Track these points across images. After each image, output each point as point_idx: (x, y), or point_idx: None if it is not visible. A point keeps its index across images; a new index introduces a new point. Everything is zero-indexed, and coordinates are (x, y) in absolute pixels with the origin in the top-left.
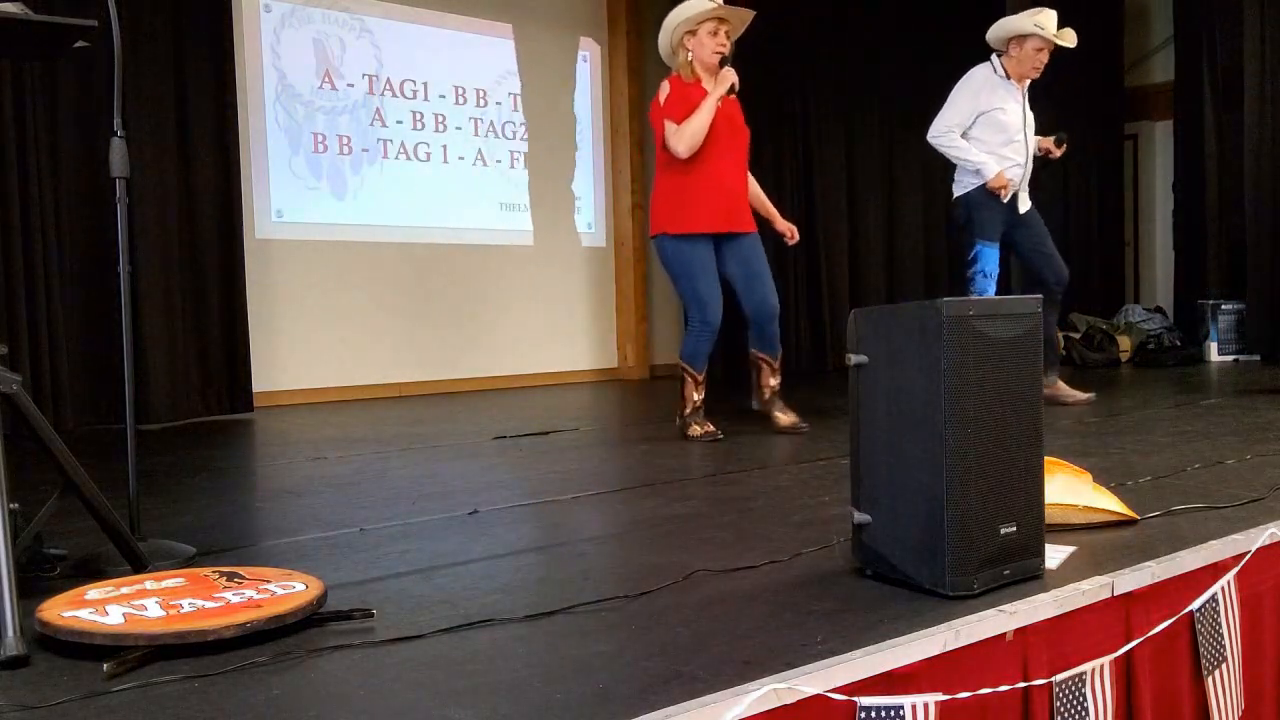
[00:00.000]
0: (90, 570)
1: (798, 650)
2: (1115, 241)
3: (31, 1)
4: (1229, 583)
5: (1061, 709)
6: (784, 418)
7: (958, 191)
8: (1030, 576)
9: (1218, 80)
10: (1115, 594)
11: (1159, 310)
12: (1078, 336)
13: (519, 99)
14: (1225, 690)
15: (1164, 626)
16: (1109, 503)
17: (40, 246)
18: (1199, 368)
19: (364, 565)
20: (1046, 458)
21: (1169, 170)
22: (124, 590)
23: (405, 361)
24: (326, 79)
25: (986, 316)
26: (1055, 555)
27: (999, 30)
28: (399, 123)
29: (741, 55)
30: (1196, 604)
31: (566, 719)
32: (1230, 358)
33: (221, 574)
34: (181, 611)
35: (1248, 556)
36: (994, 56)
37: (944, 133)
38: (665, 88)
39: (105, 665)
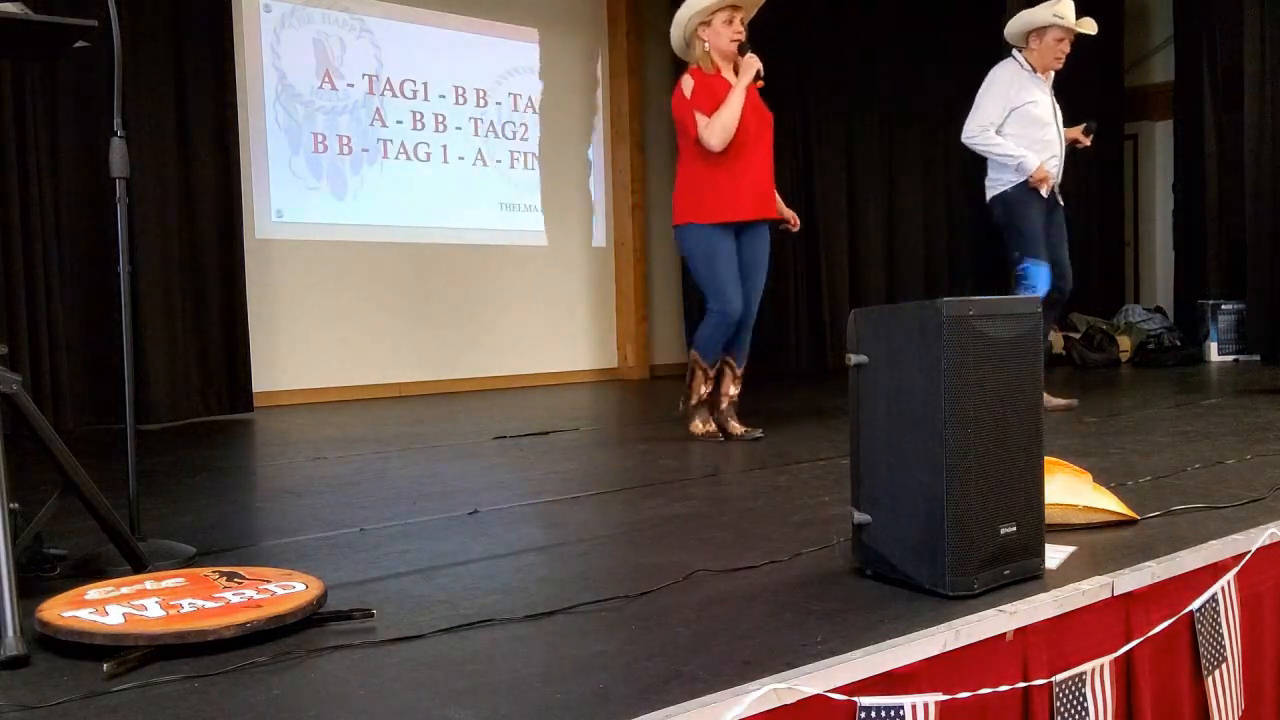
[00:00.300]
0: (90, 570)
1: (798, 650)
2: (1115, 241)
3: (31, 1)
4: (1229, 583)
5: (1061, 709)
6: (739, 427)
7: (993, 191)
8: (1030, 576)
9: (1218, 80)
10: (1115, 594)
11: (1159, 310)
12: (1078, 336)
13: (519, 99)
14: (1225, 690)
15: (1164, 626)
16: (1109, 503)
17: (40, 246)
18: (1199, 368)
19: (364, 565)
20: (1046, 458)
21: (1169, 170)
22: (124, 590)
23: (405, 361)
24: (326, 79)
25: (986, 316)
26: (1055, 555)
27: (1017, 25)
28: (399, 123)
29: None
30: (1196, 604)
31: (566, 719)
32: (1230, 358)
33: (221, 574)
34: (181, 611)
35: (1248, 556)
36: (1015, 52)
37: (979, 131)
38: (688, 80)
39: (105, 665)
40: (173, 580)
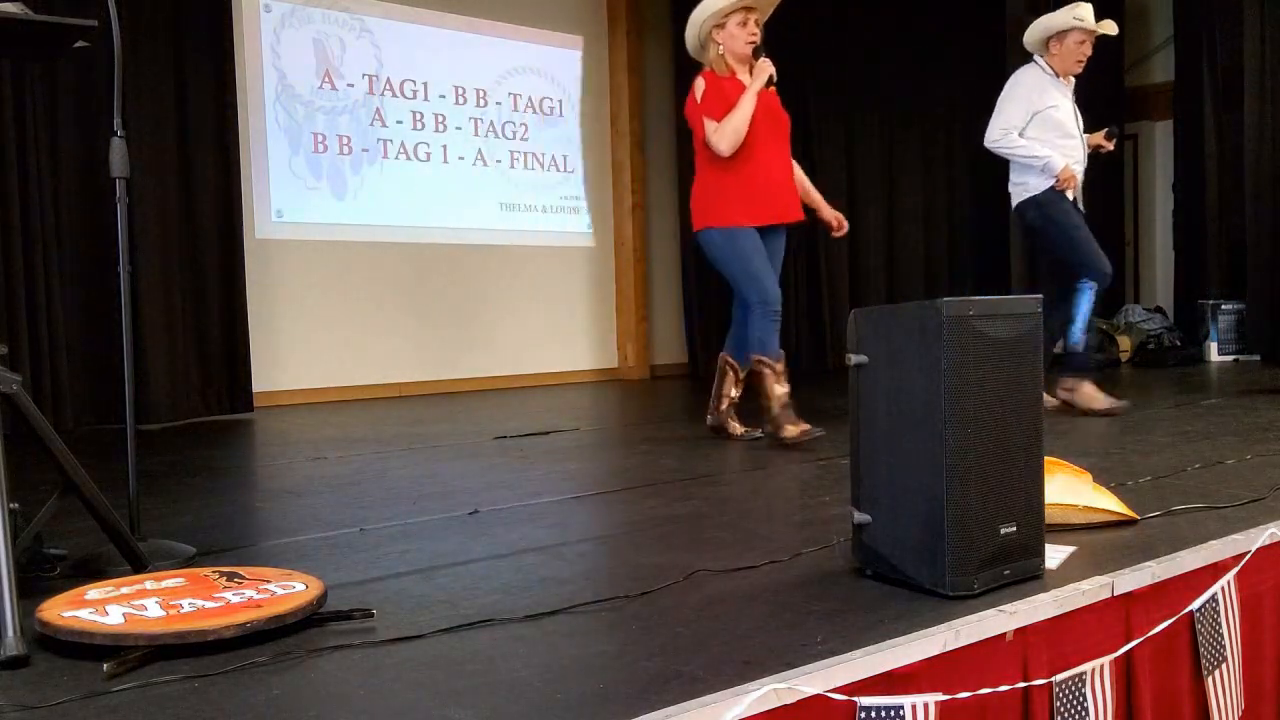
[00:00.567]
0: (90, 570)
1: (798, 650)
2: (1115, 241)
3: (31, 1)
4: (1229, 583)
5: (1061, 709)
6: (739, 427)
7: (1022, 196)
8: (1030, 576)
9: (1218, 80)
10: (1115, 594)
11: (1159, 310)
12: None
13: (519, 99)
14: (1225, 690)
15: (1164, 626)
16: (1109, 503)
17: (40, 246)
18: (1199, 368)
19: (364, 565)
20: (1046, 458)
21: (1169, 170)
22: (124, 590)
23: (405, 361)
24: (326, 79)
25: (986, 316)
26: (1055, 555)
27: (1037, 32)
28: (399, 123)
29: None
30: (1196, 604)
31: (566, 719)
32: (1230, 358)
33: (221, 574)
34: (181, 611)
35: (1248, 556)
36: (1037, 57)
37: (1002, 135)
38: (700, 84)
39: (105, 665)
40: (173, 580)
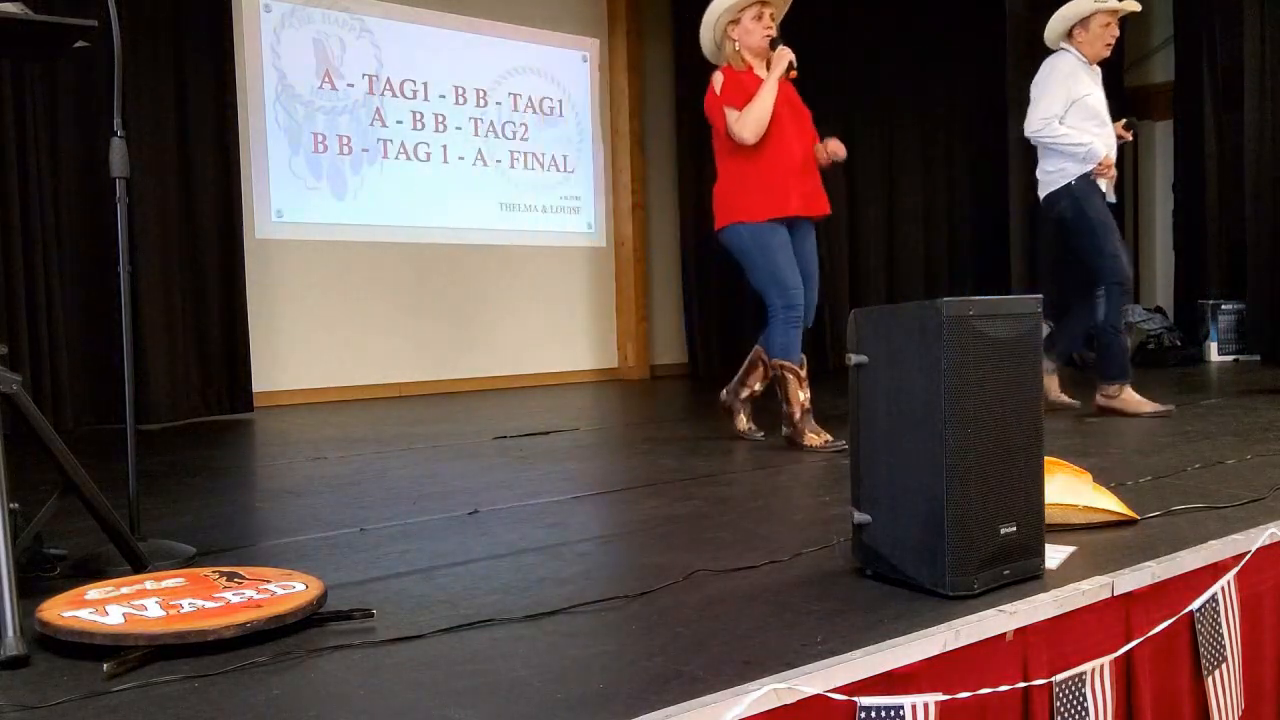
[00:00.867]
0: (90, 570)
1: (798, 650)
2: None
3: (31, 2)
4: (1229, 583)
5: (1061, 709)
6: (745, 422)
7: (1056, 184)
8: (1030, 576)
9: (1218, 80)
10: (1115, 594)
11: (1159, 310)
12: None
13: (519, 99)
14: (1225, 690)
15: (1164, 626)
16: (1109, 503)
17: (40, 246)
18: (1199, 368)
19: (364, 565)
20: (1046, 458)
21: (1169, 170)
22: (124, 590)
23: (405, 361)
24: (326, 79)
25: (986, 316)
26: (1055, 555)
27: (1059, 24)
28: (399, 123)
29: None
30: (1196, 604)
31: (566, 719)
32: (1230, 358)
33: (221, 574)
34: (181, 611)
35: (1248, 556)
36: (1069, 46)
37: (1044, 125)
38: (719, 78)
39: (105, 665)
40: (173, 580)
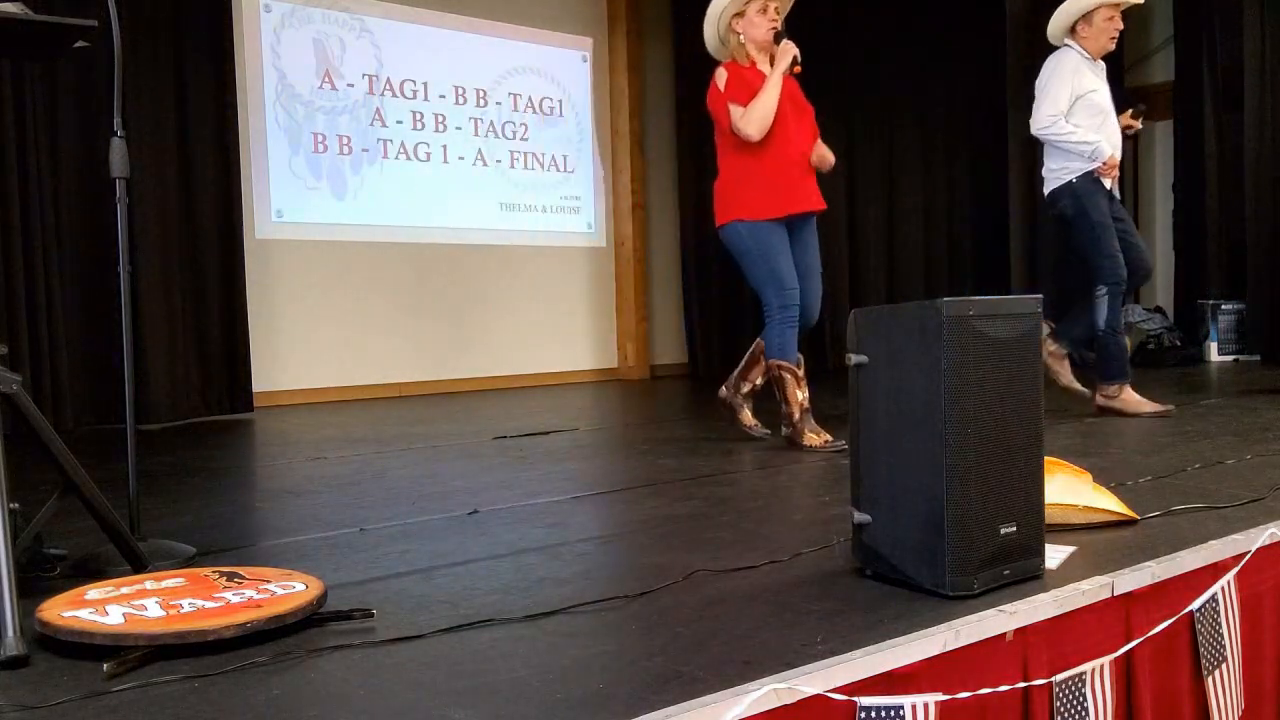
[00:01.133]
0: (90, 570)
1: (798, 650)
2: None
3: (31, 2)
4: (1229, 583)
5: (1061, 709)
6: (749, 418)
7: (1058, 181)
8: (1030, 576)
9: (1218, 80)
10: (1115, 594)
11: (1159, 310)
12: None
13: (519, 99)
14: (1225, 690)
15: (1164, 626)
16: (1109, 503)
17: (40, 246)
18: (1199, 368)
19: (364, 565)
20: (1046, 458)
21: (1169, 170)
22: (124, 590)
23: (405, 361)
24: (326, 79)
25: (986, 316)
26: (1055, 555)
27: (1061, 20)
28: (399, 123)
29: None
30: (1196, 604)
31: (566, 719)
32: (1230, 358)
33: (221, 574)
34: (181, 611)
35: (1248, 556)
36: (1068, 40)
37: (1051, 122)
38: (722, 74)
39: (105, 665)
40: (173, 580)
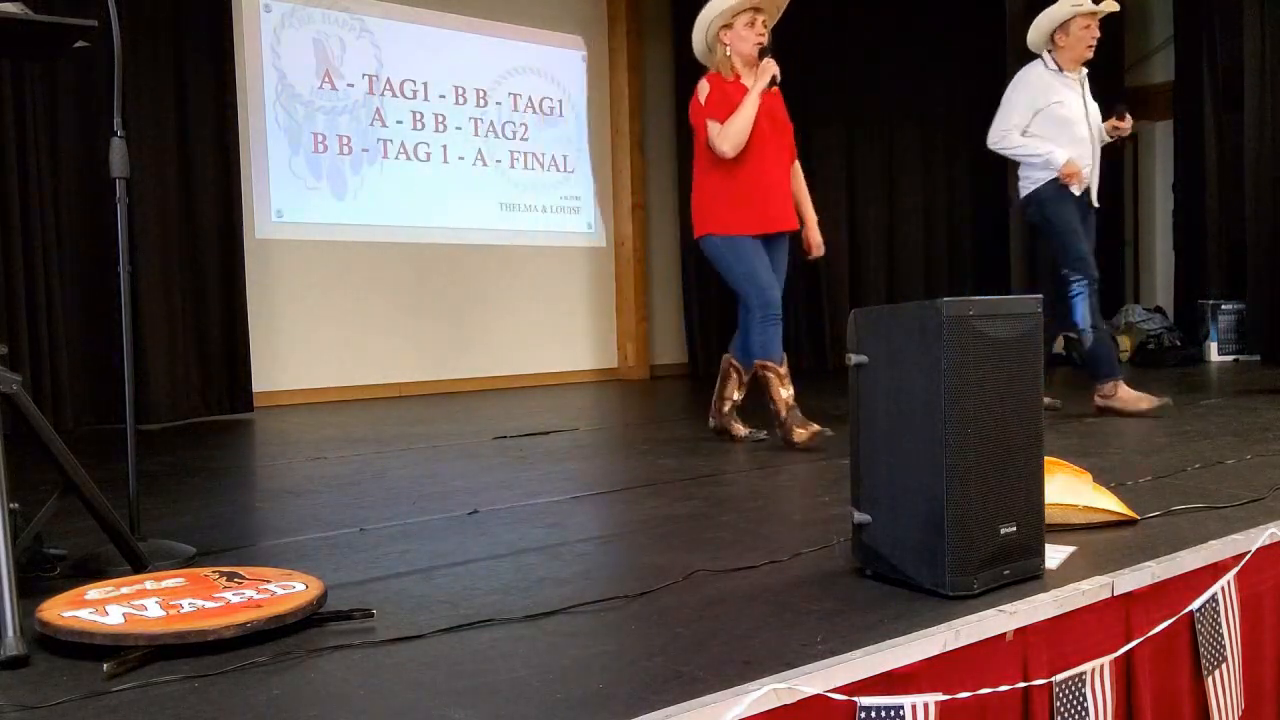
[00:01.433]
0: (90, 570)
1: (798, 650)
2: (1115, 241)
3: (31, 2)
4: (1229, 583)
5: (1061, 709)
6: (742, 429)
7: (1026, 190)
8: (1030, 576)
9: (1218, 80)
10: (1115, 594)
11: (1159, 310)
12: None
13: (519, 99)
14: (1225, 690)
15: (1164, 626)
16: (1109, 503)
17: (40, 246)
18: (1199, 368)
19: (364, 565)
20: (1046, 458)
21: (1169, 170)
22: (124, 590)
23: (405, 361)
24: (326, 79)
25: (986, 316)
26: (1055, 555)
27: (1040, 29)
28: (399, 123)
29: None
30: (1196, 604)
31: (566, 719)
32: (1230, 358)
33: (221, 574)
34: (181, 611)
35: (1248, 556)
36: (1044, 54)
37: (1001, 136)
38: (704, 87)
39: (105, 665)
40: (173, 580)
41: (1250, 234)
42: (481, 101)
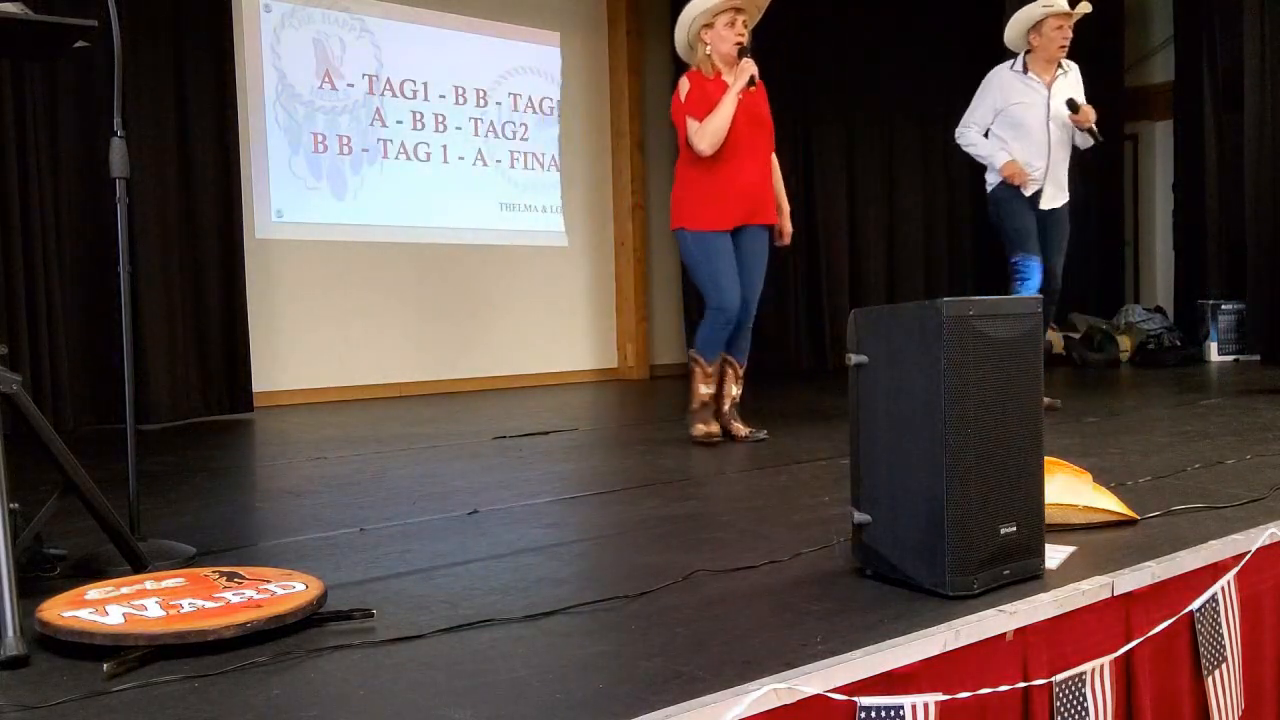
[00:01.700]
0: (90, 570)
1: (798, 650)
2: (1115, 241)
3: (31, 2)
4: (1229, 583)
5: (1061, 709)
6: (742, 429)
7: (988, 189)
8: (1030, 576)
9: (1218, 80)
10: (1115, 594)
11: (1159, 310)
12: (1078, 336)
13: (519, 99)
14: (1225, 690)
15: (1164, 626)
16: (1109, 503)
17: (40, 246)
18: (1199, 368)
19: (364, 565)
20: (1046, 458)
21: (1169, 170)
22: (124, 590)
23: (405, 361)
24: (326, 79)
25: (986, 316)
26: (1055, 555)
27: (1013, 31)
28: (399, 123)
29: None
30: (1196, 604)
31: (566, 719)
32: (1230, 358)
33: (221, 574)
34: (181, 611)
35: (1248, 556)
36: (1023, 55)
37: (962, 131)
38: (685, 84)
39: (105, 665)
40: (173, 580)
41: (1250, 234)
42: (481, 101)
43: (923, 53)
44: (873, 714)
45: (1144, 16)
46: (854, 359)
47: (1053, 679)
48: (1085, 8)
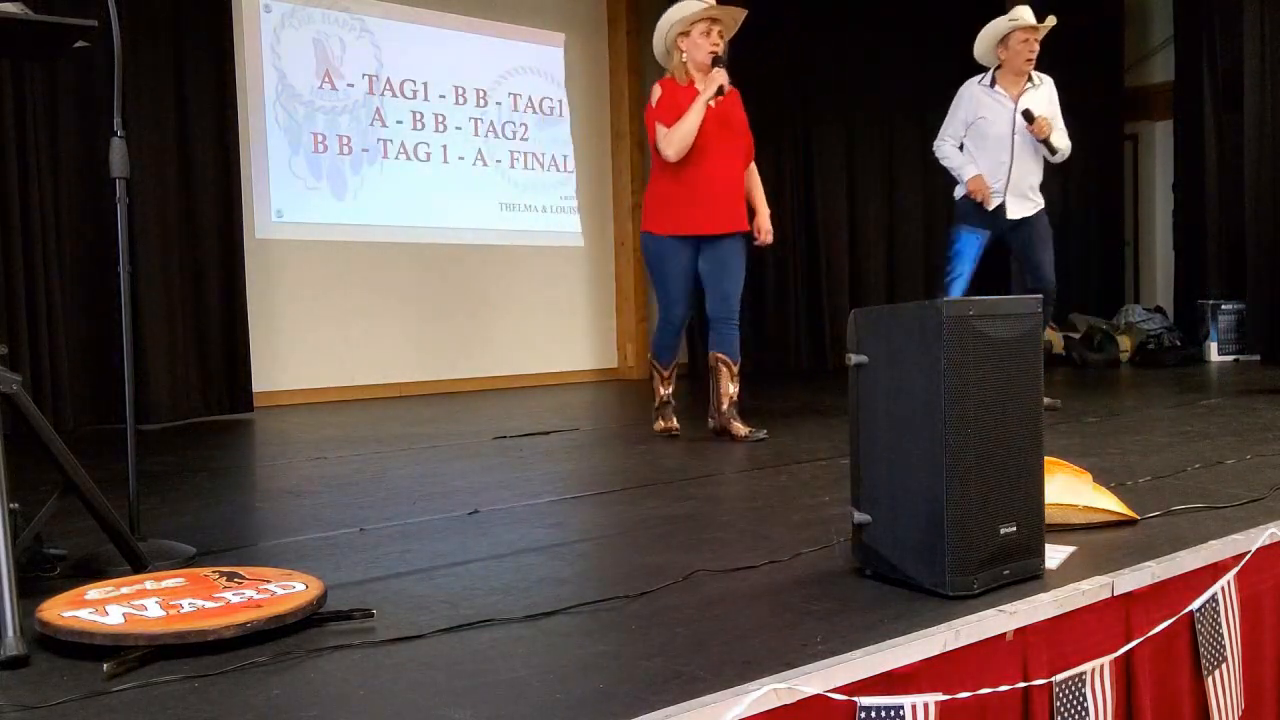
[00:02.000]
0: (90, 570)
1: (798, 650)
2: (1115, 241)
3: (31, 2)
4: (1229, 583)
5: (1061, 709)
6: (742, 428)
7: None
8: (1030, 576)
9: (1218, 80)
10: (1115, 594)
11: (1159, 310)
12: (1078, 336)
13: (519, 99)
14: (1225, 690)
15: (1164, 626)
16: (1109, 503)
17: (40, 246)
18: (1199, 368)
19: (364, 565)
20: (1046, 458)
21: (1169, 170)
22: (124, 590)
23: (405, 361)
24: (326, 79)
25: (986, 316)
26: (1055, 555)
27: (982, 45)
28: (399, 123)
29: (742, 54)
30: (1196, 604)
31: (566, 719)
32: (1230, 358)
33: (221, 574)
34: (181, 611)
35: (1248, 556)
36: (992, 70)
37: (938, 145)
38: (656, 90)
39: (105, 665)
40: (173, 580)
41: (1250, 234)
42: (481, 101)
43: (923, 53)
44: (873, 714)
45: (1144, 16)
46: (854, 359)
47: (1053, 679)
48: (1051, 21)
